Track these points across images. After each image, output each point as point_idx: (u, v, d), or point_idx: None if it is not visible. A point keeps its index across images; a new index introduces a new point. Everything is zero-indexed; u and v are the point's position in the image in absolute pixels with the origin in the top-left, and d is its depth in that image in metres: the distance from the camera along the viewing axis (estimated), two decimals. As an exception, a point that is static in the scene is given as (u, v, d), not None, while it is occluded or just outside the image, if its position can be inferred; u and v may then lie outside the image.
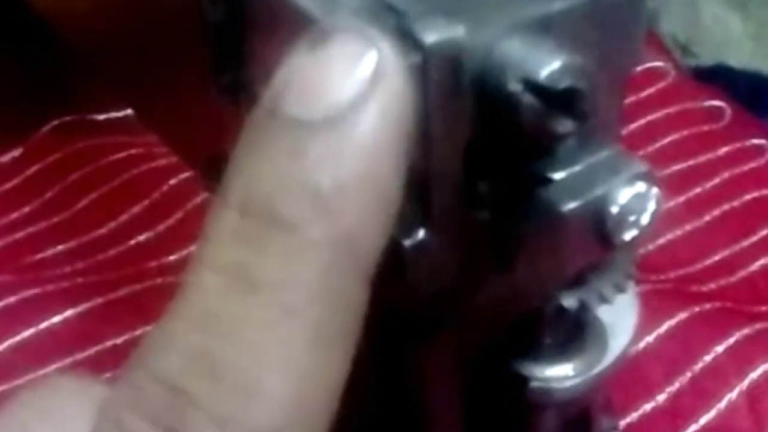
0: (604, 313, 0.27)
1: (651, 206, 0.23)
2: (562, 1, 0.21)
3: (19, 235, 0.55)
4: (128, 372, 0.19)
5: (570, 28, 0.21)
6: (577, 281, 0.24)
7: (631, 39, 0.22)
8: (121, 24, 0.33)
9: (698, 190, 0.56)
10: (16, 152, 0.59)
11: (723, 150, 0.58)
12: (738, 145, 0.59)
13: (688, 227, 0.54)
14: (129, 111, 0.57)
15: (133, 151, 0.58)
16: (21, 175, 0.58)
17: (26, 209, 0.57)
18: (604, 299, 0.25)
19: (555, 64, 0.20)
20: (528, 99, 0.20)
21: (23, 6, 0.41)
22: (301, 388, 0.18)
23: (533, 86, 0.20)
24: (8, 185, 0.58)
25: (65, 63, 0.53)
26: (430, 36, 0.20)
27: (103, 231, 0.55)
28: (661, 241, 0.54)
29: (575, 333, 0.27)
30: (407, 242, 0.22)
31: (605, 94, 0.22)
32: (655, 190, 0.23)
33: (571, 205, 0.22)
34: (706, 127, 0.60)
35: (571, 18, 0.21)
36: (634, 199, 0.22)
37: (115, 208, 0.56)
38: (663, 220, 0.57)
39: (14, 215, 0.56)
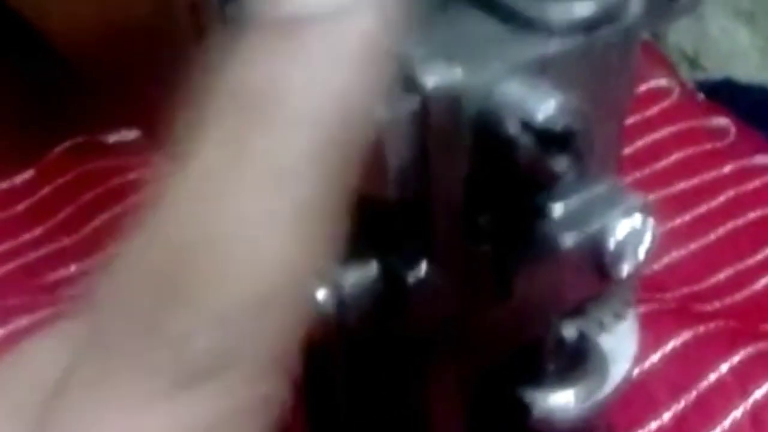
0: (604, 339, 0.28)
1: (648, 239, 0.23)
2: (557, 43, 0.21)
3: (31, 256, 0.56)
4: (126, 244, 0.20)
5: (565, 69, 0.21)
6: (577, 310, 0.25)
7: (624, 76, 0.23)
8: (126, 46, 0.34)
9: (703, 208, 0.57)
10: (28, 174, 0.60)
11: (728, 168, 0.59)
12: (743, 163, 0.59)
13: (693, 246, 0.55)
14: (138, 132, 0.58)
15: (143, 172, 0.59)
16: (33, 196, 0.59)
17: (38, 230, 0.57)
18: (604, 328, 0.25)
19: (551, 107, 0.20)
20: (525, 140, 0.20)
21: (33, 30, 0.42)
22: (290, 255, 0.19)
23: (530, 127, 0.20)
24: (21, 207, 0.58)
25: (75, 85, 0.54)
26: (430, 80, 0.20)
27: (114, 252, 0.56)
28: (666, 259, 0.54)
29: (576, 360, 0.27)
30: (410, 277, 0.22)
31: (601, 130, 0.23)
32: (651, 221, 0.23)
33: (570, 239, 0.22)
34: (710, 146, 0.60)
35: (566, 59, 0.21)
36: (632, 232, 0.23)
37: (127, 229, 0.56)
38: (668, 239, 0.57)
39: (27, 236, 0.57)
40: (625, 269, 0.23)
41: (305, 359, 0.27)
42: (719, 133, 0.61)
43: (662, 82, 0.64)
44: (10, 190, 0.58)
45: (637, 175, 0.58)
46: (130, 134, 0.60)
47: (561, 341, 0.25)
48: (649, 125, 0.61)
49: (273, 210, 0.19)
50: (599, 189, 0.23)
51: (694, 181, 0.58)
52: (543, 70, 0.21)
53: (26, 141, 0.60)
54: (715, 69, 0.86)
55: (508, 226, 0.23)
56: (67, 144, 0.60)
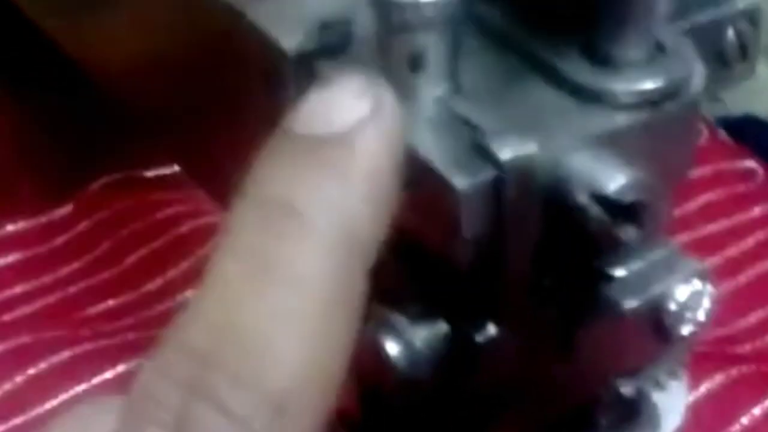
0: (656, 394, 0.28)
1: (706, 303, 0.24)
2: (624, 116, 0.22)
3: (70, 290, 0.57)
4: (158, 348, 0.21)
5: (632, 142, 0.22)
6: (636, 369, 0.26)
7: (686, 147, 0.24)
8: (168, 81, 0.35)
9: (733, 250, 0.57)
10: (66, 209, 0.60)
11: (757, 210, 0.59)
12: (771, 205, 0.60)
13: (723, 288, 0.55)
14: (176, 168, 0.59)
15: (181, 208, 0.60)
16: (72, 231, 0.60)
17: (77, 265, 0.58)
18: (659, 386, 0.26)
19: (621, 180, 0.21)
20: (595, 211, 0.21)
21: (74, 66, 0.43)
22: (313, 354, 0.21)
23: (600, 199, 0.21)
24: (59, 241, 0.59)
25: (114, 120, 0.55)
26: (506, 153, 0.21)
27: (151, 287, 0.57)
28: (697, 301, 0.55)
29: (630, 414, 0.28)
30: (480, 338, 0.23)
31: (664, 197, 0.24)
32: (710, 288, 0.24)
33: (632, 303, 0.23)
34: (739, 188, 0.61)
35: (633, 132, 0.22)
36: (691, 296, 0.24)
37: (164, 264, 0.57)
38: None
39: (65, 271, 0.58)
40: (685, 331, 0.24)
41: (362, 408, 0.28)
42: (748, 175, 0.62)
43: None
44: (50, 224, 0.59)
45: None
46: (168, 169, 0.61)
47: (618, 397, 0.26)
48: (679, 167, 0.61)
49: (287, 318, 0.21)
50: (659, 254, 0.24)
51: (724, 223, 0.59)
52: (610, 142, 0.22)
53: (65, 176, 0.61)
54: (735, 105, 0.86)
55: (572, 289, 0.24)
56: (104, 179, 0.61)
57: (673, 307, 0.23)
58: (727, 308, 0.55)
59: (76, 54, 0.43)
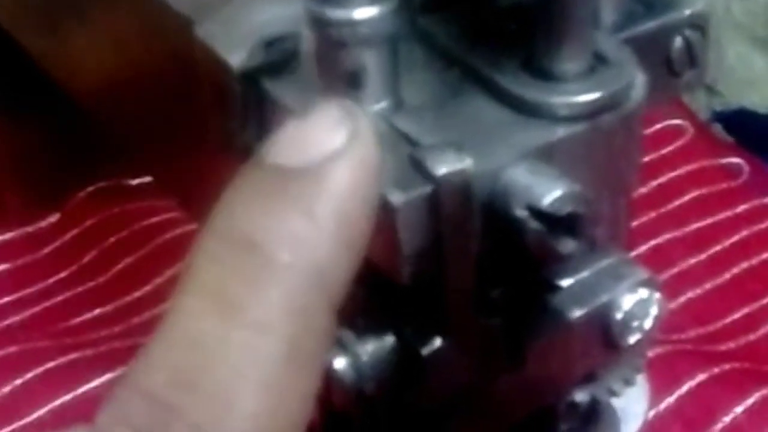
0: (615, 399, 0.29)
1: (654, 311, 0.24)
2: (563, 129, 0.22)
3: (57, 299, 0.57)
4: (116, 391, 0.21)
5: (571, 154, 0.22)
6: (588, 377, 0.26)
7: (629, 156, 0.24)
8: (135, 97, 0.35)
9: (718, 248, 0.57)
10: (53, 218, 0.61)
11: (742, 207, 0.59)
12: (757, 202, 0.60)
13: (707, 286, 0.55)
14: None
15: (166, 216, 0.60)
16: (58, 240, 0.60)
17: (63, 274, 0.58)
18: (613, 393, 0.26)
19: (557, 193, 0.21)
20: (533, 224, 0.21)
21: (57, 87, 0.44)
22: (274, 403, 0.20)
23: (537, 213, 0.21)
24: (46, 250, 0.59)
25: (99, 130, 0.55)
26: (441, 168, 0.21)
27: (138, 294, 0.57)
28: (681, 299, 0.55)
29: (589, 420, 0.28)
30: (425, 351, 0.23)
31: (608, 207, 0.24)
32: (657, 296, 0.24)
33: (578, 313, 0.23)
34: (724, 185, 0.61)
35: (571, 144, 0.22)
36: (638, 304, 0.24)
37: (150, 272, 0.57)
38: (682, 279, 0.58)
39: (52, 280, 0.58)
40: (632, 340, 0.24)
41: (324, 426, 0.28)
42: (733, 171, 0.62)
43: (677, 121, 0.64)
44: (36, 234, 0.60)
45: (652, 214, 0.59)
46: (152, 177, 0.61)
47: (573, 405, 0.26)
48: (664, 165, 0.61)
49: (248, 363, 0.20)
50: (606, 263, 0.24)
51: (709, 220, 0.59)
52: (549, 155, 0.22)
53: (52, 185, 0.61)
54: (732, 96, 0.86)
55: (518, 299, 0.24)
56: (91, 188, 0.61)
57: (619, 316, 0.24)
58: (711, 306, 0.55)
59: (61, 78, 0.44)
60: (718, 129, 0.79)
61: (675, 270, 0.55)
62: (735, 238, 0.58)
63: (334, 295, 0.21)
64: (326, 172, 0.20)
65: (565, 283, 0.24)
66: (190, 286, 0.21)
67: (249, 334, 0.20)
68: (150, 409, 0.20)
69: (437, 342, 0.23)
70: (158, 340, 0.21)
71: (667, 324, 0.54)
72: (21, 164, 0.61)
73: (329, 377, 0.24)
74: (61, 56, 0.42)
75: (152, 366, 0.20)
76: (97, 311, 0.56)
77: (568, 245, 0.22)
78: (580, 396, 0.26)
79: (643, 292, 0.24)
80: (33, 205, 0.60)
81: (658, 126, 0.64)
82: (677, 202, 0.60)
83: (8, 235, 0.59)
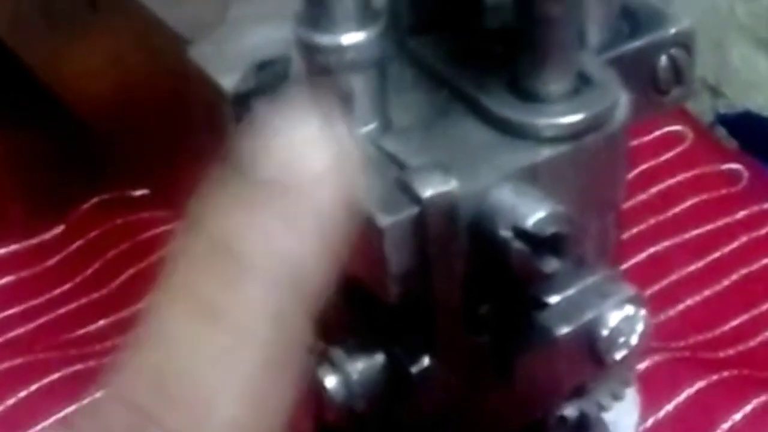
0: (606, 412, 0.29)
1: (640, 327, 0.24)
2: (547, 150, 0.23)
3: (62, 310, 0.57)
4: (97, 399, 0.21)
5: (556, 174, 0.23)
6: (576, 392, 0.26)
7: (614, 174, 0.24)
8: (132, 112, 0.36)
9: (716, 254, 0.57)
10: (58, 229, 0.61)
11: (741, 214, 0.59)
12: (756, 208, 0.60)
13: (706, 292, 0.56)
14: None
15: (170, 226, 0.60)
16: (63, 251, 0.60)
17: (68, 286, 0.59)
18: (602, 408, 0.27)
19: (540, 213, 0.22)
20: (517, 244, 0.22)
21: (58, 100, 0.44)
22: (252, 410, 0.20)
23: (521, 233, 0.22)
24: (51, 261, 0.60)
25: (102, 144, 0.56)
26: (427, 190, 0.22)
27: (142, 306, 0.57)
28: (680, 306, 0.55)
29: (580, 433, 0.28)
30: (414, 369, 0.24)
31: (594, 226, 0.24)
32: (643, 312, 0.24)
33: (564, 330, 0.24)
34: (723, 191, 0.61)
35: (556, 165, 0.23)
36: (624, 321, 0.24)
37: (154, 283, 0.58)
38: (681, 286, 0.58)
39: (57, 291, 0.58)
40: (618, 355, 0.24)
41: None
42: (733, 178, 0.62)
43: (677, 128, 0.65)
44: (41, 246, 0.60)
45: (651, 221, 0.59)
46: (156, 189, 0.62)
47: (563, 419, 0.26)
48: (663, 171, 0.62)
49: (227, 368, 0.20)
50: (592, 281, 0.24)
51: (708, 227, 0.59)
52: (533, 176, 0.22)
53: (57, 197, 0.62)
54: (737, 98, 0.86)
55: (506, 317, 0.24)
56: (95, 200, 0.61)
57: (605, 332, 0.24)
58: (709, 313, 0.55)
59: (62, 93, 0.44)
60: (721, 133, 0.80)
61: (674, 277, 0.55)
62: (734, 245, 0.58)
63: (311, 305, 0.21)
64: (310, 188, 0.21)
65: (552, 300, 0.24)
66: (170, 288, 0.21)
67: (227, 339, 0.20)
68: (125, 415, 0.20)
69: (426, 360, 0.24)
70: (136, 344, 0.21)
71: (665, 331, 0.54)
72: (25, 176, 0.62)
73: (320, 394, 0.24)
74: (60, 70, 0.43)
75: (132, 372, 0.21)
76: (101, 322, 0.57)
77: (552, 265, 0.22)
78: (570, 411, 0.26)
79: (629, 309, 0.24)
80: (37, 217, 0.61)
81: (658, 133, 0.64)
82: (676, 209, 0.60)
83: (12, 247, 0.59)
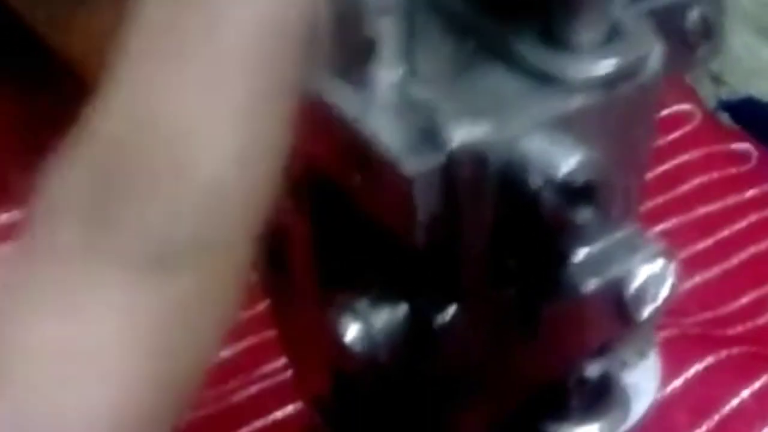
0: (627, 374, 0.28)
1: (669, 282, 0.24)
2: (579, 99, 0.22)
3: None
4: (66, 147, 0.19)
5: (587, 124, 0.22)
6: (601, 350, 0.26)
7: (645, 127, 0.24)
8: None
9: (725, 233, 0.57)
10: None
11: (750, 192, 0.59)
12: (765, 187, 0.59)
13: (715, 270, 0.55)
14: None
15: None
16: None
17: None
18: (626, 366, 0.26)
19: (573, 162, 0.21)
20: (548, 194, 0.21)
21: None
22: (243, 144, 0.19)
23: (553, 182, 0.21)
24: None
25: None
26: (457, 137, 0.21)
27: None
28: (689, 284, 0.55)
29: (600, 395, 0.28)
30: (438, 320, 0.23)
31: (623, 179, 0.24)
32: (672, 266, 0.24)
33: (591, 285, 0.23)
34: (732, 170, 0.61)
35: (588, 114, 0.22)
36: (652, 276, 0.24)
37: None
38: (690, 263, 0.57)
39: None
40: (646, 312, 0.24)
41: (334, 392, 0.28)
42: (741, 157, 0.62)
43: (685, 106, 0.64)
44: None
45: (660, 200, 0.59)
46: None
47: (584, 379, 0.26)
48: (672, 150, 0.61)
49: (218, 100, 0.19)
50: (621, 235, 0.24)
51: (717, 205, 0.58)
52: (565, 125, 0.22)
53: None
54: (739, 85, 0.86)
55: (533, 270, 0.24)
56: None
57: (633, 288, 0.24)
58: (718, 290, 0.55)
59: (62, 50, 0.44)
60: (725, 117, 0.79)
61: (683, 254, 0.55)
62: (743, 223, 0.58)
63: (298, 36, 0.19)
64: None
65: (579, 255, 0.24)
66: (136, 27, 0.19)
67: (214, 74, 0.18)
68: (108, 151, 0.18)
69: (450, 311, 0.23)
70: (115, 84, 0.19)
71: (674, 308, 0.54)
72: (29, 144, 0.61)
73: (341, 344, 0.24)
74: (73, 34, 0.42)
75: (106, 112, 0.19)
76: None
77: (584, 215, 0.21)
78: (592, 370, 0.26)
79: (657, 264, 0.24)
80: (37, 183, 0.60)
81: (667, 111, 0.64)
82: (685, 187, 0.60)
83: (15, 213, 0.59)
